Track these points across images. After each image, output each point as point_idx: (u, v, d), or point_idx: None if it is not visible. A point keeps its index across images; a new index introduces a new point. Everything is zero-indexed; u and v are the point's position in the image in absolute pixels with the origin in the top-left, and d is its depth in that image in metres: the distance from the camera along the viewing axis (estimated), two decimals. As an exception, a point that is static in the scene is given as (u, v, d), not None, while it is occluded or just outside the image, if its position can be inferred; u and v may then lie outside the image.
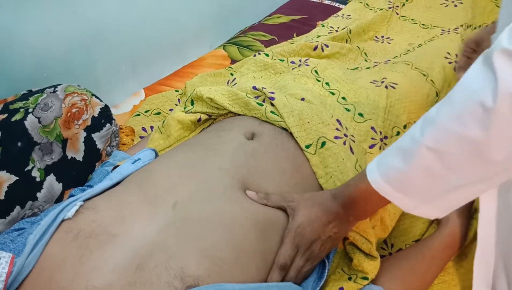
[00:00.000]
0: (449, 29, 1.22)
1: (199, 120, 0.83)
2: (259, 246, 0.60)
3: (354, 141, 0.76)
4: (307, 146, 0.73)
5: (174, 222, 0.59)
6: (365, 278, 0.65)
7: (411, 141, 0.50)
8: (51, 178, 0.82)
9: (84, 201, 0.63)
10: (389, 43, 1.23)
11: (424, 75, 0.98)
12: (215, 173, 0.66)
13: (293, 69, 0.96)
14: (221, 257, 0.57)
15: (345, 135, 0.76)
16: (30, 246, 0.57)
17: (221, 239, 0.58)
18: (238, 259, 0.58)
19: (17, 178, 0.77)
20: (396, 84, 0.92)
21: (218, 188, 0.64)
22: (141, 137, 0.98)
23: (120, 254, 0.55)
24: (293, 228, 0.62)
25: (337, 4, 1.52)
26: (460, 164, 0.47)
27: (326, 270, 0.65)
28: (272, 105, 0.79)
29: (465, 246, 0.78)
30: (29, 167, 0.79)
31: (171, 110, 1.06)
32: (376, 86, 0.91)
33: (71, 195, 0.78)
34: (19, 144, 0.79)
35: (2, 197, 0.75)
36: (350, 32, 1.19)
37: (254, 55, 1.06)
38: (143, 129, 1.00)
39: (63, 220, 0.60)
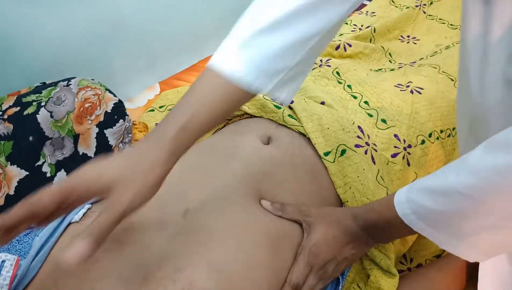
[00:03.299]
0: (479, 30, 1.16)
1: (214, 120, 0.80)
2: (271, 261, 0.57)
3: (376, 150, 0.72)
4: (326, 154, 0.69)
5: (184, 231, 0.56)
6: (382, 297, 0.62)
7: (444, 182, 0.47)
8: (61, 174, 0.81)
9: (93, 203, 0.61)
10: (415, 43, 1.17)
11: (452, 80, 0.93)
12: (229, 180, 0.63)
13: (313, 69, 0.92)
14: (231, 271, 0.54)
15: (367, 144, 0.72)
16: (36, 248, 0.56)
17: (232, 252, 0.55)
18: (249, 273, 0.55)
19: (27, 173, 0.76)
20: (422, 88, 0.88)
21: (232, 196, 0.61)
22: (154, 134, 0.96)
23: (127, 263, 0.52)
24: (307, 246, 0.59)
25: (366, 2, 1.47)
26: (496, 210, 0.44)
27: (340, 287, 0.61)
28: (291, 108, 0.75)
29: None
30: (39, 162, 0.78)
31: (186, 106, 1.04)
32: (400, 90, 0.86)
33: (81, 193, 0.77)
34: (31, 138, 0.78)
35: (12, 193, 0.74)
36: (374, 31, 1.13)
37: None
38: (157, 125, 0.98)
39: (70, 223, 0.58)
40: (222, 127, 0.82)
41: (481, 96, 0.50)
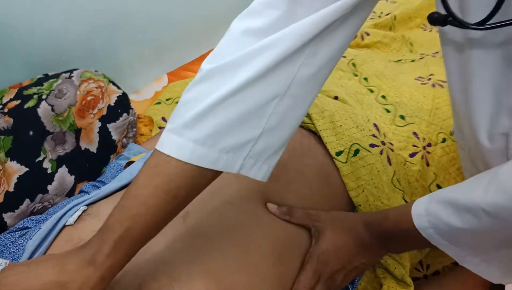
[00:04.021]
0: (508, 17, 1.08)
1: (220, 115, 0.76)
2: (276, 269, 0.54)
3: (392, 150, 0.67)
4: (338, 153, 0.65)
5: (183, 237, 0.53)
6: (396, 309, 0.57)
7: (468, 198, 0.42)
8: (63, 170, 0.78)
9: (88, 205, 0.58)
10: (437, 31, 1.10)
11: (478, 72, 0.86)
12: (232, 182, 0.59)
13: (327, 60, 0.86)
14: (232, 280, 0.50)
15: (383, 143, 0.67)
16: (29, 252, 0.53)
17: (234, 260, 0.52)
18: (251, 283, 0.51)
19: (27, 169, 0.73)
20: (444, 82, 0.81)
21: (235, 199, 0.57)
22: (160, 128, 0.92)
23: (121, 271, 0.49)
24: (316, 253, 0.55)
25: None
26: None
27: (350, 297, 0.58)
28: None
29: None
30: (40, 158, 0.75)
31: (194, 98, 1.00)
32: (421, 83, 0.80)
33: (82, 191, 0.74)
34: (31, 133, 0.75)
35: (12, 189, 0.71)
36: (395, 19, 1.07)
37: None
38: (163, 119, 0.94)
39: (64, 226, 0.55)
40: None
41: (473, 139, 0.47)
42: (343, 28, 0.42)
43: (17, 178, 0.72)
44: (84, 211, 0.57)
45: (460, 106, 0.47)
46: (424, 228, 0.47)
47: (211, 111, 0.41)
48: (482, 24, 0.37)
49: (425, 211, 0.47)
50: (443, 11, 0.40)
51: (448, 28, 0.41)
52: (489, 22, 0.37)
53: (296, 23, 0.40)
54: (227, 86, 0.41)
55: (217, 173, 0.44)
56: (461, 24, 0.39)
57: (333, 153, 0.65)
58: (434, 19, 0.40)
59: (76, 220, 0.56)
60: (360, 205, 0.63)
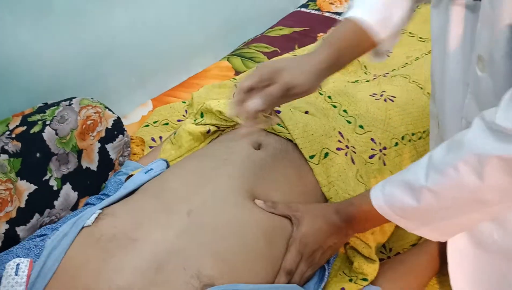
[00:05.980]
0: (444, 42, 1.27)
1: (209, 131, 0.88)
2: (267, 251, 0.65)
3: (355, 152, 0.81)
4: (311, 157, 0.78)
5: (189, 229, 0.63)
6: (365, 280, 0.70)
7: (415, 178, 0.55)
8: (67, 187, 0.87)
9: (102, 208, 0.68)
10: (388, 55, 1.27)
11: (421, 88, 1.03)
12: (226, 182, 0.70)
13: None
14: (233, 260, 0.61)
15: (347, 147, 0.81)
16: (48, 250, 0.61)
17: (233, 244, 0.63)
18: (248, 262, 0.62)
19: (36, 187, 0.82)
20: (394, 97, 0.97)
21: (229, 196, 0.68)
22: (150, 147, 1.03)
23: (140, 257, 0.59)
24: (297, 237, 0.67)
25: (337, 16, 1.57)
26: (452, 201, 0.52)
27: (327, 273, 0.69)
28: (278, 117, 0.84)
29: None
30: (47, 177, 0.84)
31: (179, 120, 1.11)
32: (375, 99, 0.96)
33: (87, 203, 0.83)
34: (38, 155, 0.84)
35: (23, 205, 0.79)
36: (350, 46, 1.23)
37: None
38: (153, 139, 1.05)
39: (83, 227, 0.64)
40: (216, 137, 0.90)
41: (441, 105, 0.61)
42: None
43: (28, 195, 0.80)
44: (100, 213, 0.66)
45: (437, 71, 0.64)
46: (381, 206, 0.60)
47: None
48: None
49: (381, 193, 0.60)
50: None
51: None
52: None
53: None
54: None
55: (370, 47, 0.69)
56: None
57: (307, 157, 0.78)
58: None
59: (94, 222, 0.65)
60: (331, 198, 0.76)
